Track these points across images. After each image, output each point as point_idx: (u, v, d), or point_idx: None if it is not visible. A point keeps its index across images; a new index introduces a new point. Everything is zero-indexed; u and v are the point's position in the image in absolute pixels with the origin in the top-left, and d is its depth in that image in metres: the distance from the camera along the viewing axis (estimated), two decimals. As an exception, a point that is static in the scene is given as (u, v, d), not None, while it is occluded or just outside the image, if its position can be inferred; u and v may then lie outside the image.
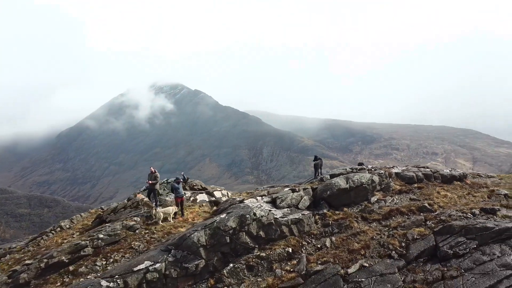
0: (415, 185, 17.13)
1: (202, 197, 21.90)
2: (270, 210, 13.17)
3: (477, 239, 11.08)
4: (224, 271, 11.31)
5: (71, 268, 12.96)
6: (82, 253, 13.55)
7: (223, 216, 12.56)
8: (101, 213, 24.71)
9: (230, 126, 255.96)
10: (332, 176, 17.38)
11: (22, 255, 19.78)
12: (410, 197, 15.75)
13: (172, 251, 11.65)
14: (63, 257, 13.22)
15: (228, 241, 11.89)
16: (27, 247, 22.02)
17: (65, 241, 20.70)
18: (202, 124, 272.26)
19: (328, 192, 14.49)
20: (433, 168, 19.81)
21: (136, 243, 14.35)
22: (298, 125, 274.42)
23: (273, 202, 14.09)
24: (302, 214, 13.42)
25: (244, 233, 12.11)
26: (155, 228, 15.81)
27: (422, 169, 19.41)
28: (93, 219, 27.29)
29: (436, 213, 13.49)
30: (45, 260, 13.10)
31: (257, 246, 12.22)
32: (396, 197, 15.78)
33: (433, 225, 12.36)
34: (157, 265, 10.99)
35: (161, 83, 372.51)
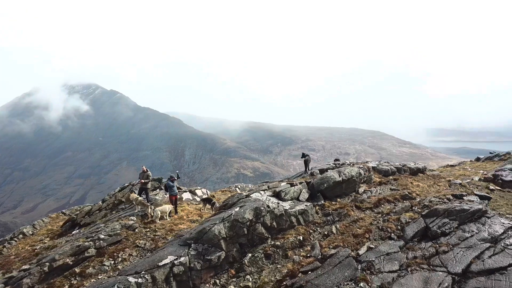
0: (391, 177, 19.24)
1: (187, 195, 22.09)
2: (278, 203, 13.99)
3: (457, 220, 13.04)
4: (245, 260, 11.86)
5: (77, 270, 12.47)
6: (86, 254, 13.09)
7: (237, 209, 13.07)
8: (74, 217, 23.41)
9: (150, 127, 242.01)
10: (321, 171, 18.74)
11: (-14, 265, 18.16)
12: (390, 188, 17.68)
13: (192, 245, 11.89)
14: (67, 260, 12.65)
15: (245, 232, 12.46)
16: (-12, 256, 20.23)
17: (38, 247, 19.49)
18: (119, 126, 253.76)
19: (325, 185, 15.72)
20: (401, 162, 22.30)
21: (141, 241, 14.21)
22: (220, 128, 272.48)
23: (277, 196, 14.92)
24: (305, 205, 14.45)
25: (259, 224, 12.78)
26: (155, 226, 15.70)
27: (392, 163, 21.77)
28: (60, 223, 25.73)
29: (418, 200, 15.45)
30: (47, 263, 12.40)
31: (270, 236, 12.97)
32: (379, 188, 17.58)
33: (419, 210, 14.19)
34: (182, 258, 11.20)
35: (72, 82, 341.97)
